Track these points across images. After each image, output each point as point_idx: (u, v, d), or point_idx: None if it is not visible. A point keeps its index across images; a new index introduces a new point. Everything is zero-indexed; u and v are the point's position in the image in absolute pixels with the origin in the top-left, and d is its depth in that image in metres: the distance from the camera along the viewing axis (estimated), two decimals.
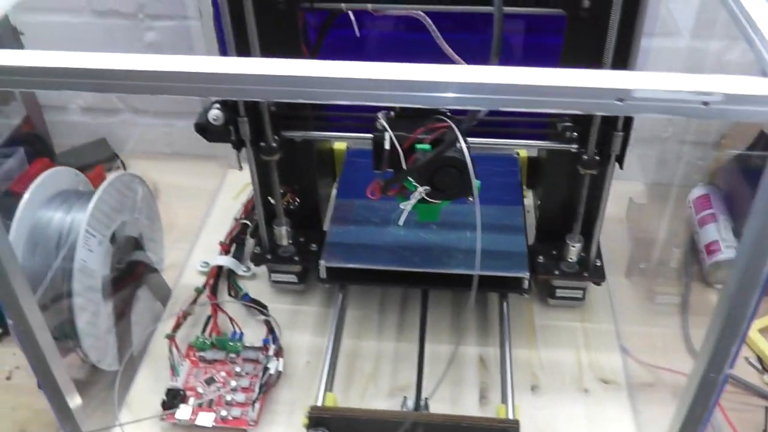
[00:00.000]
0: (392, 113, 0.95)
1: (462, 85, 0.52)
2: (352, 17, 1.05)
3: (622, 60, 0.91)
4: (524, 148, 1.27)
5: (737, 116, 0.51)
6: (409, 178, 0.89)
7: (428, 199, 0.90)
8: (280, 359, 1.03)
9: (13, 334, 0.75)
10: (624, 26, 0.88)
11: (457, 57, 1.06)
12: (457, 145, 0.86)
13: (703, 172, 1.41)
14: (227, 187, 1.43)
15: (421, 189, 0.88)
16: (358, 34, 1.07)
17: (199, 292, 1.15)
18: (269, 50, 0.94)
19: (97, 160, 1.49)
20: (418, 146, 0.90)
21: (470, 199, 0.92)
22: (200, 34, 1.33)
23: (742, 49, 1.28)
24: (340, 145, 1.30)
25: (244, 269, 1.22)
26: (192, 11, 1.33)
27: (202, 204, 1.38)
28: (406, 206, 0.89)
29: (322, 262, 1.08)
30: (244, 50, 0.93)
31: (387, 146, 0.92)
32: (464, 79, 0.52)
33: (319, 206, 1.17)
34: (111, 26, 1.40)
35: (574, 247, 1.09)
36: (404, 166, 0.91)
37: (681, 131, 1.41)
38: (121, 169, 1.51)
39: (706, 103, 0.50)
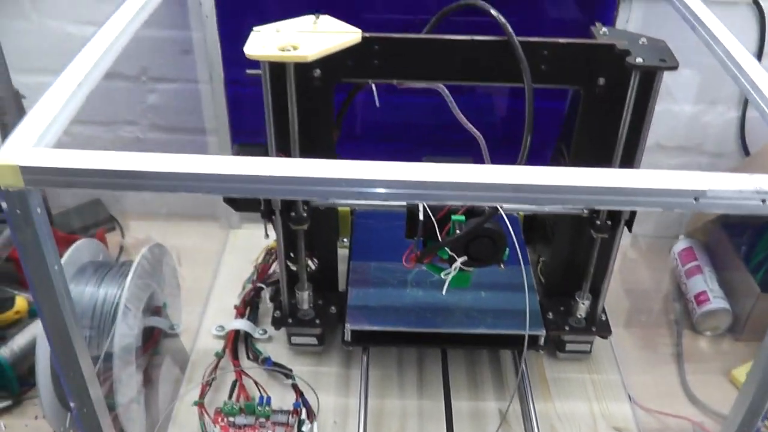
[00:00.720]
0: None
1: (530, 186, 0.57)
2: (374, 90, 1.10)
3: (636, 130, 0.98)
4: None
5: None
6: (446, 249, 0.94)
7: (463, 267, 0.95)
8: (315, 422, 1.05)
9: (75, 420, 0.75)
10: (638, 102, 0.95)
11: (472, 128, 1.12)
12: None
13: (684, 226, 1.51)
14: (231, 249, 1.45)
15: (459, 261, 0.93)
16: (378, 104, 1.12)
17: (219, 356, 1.17)
18: (305, 122, 0.98)
19: (95, 222, 1.50)
20: (454, 217, 0.95)
21: (502, 266, 0.98)
22: (208, 97, 1.36)
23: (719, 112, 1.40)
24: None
25: (261, 332, 1.24)
26: (202, 75, 1.36)
27: (208, 266, 1.40)
28: (448, 277, 0.94)
29: (348, 326, 1.12)
30: (282, 124, 0.96)
31: (421, 216, 0.97)
32: (539, 181, 0.58)
33: (336, 269, 1.21)
34: (113, 88, 1.42)
35: (583, 304, 1.15)
36: (439, 237, 0.96)
37: None
38: (119, 231, 1.51)
39: (764, 201, 0.57)
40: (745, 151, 1.43)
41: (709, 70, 1.07)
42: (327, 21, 0.96)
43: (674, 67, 0.91)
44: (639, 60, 0.91)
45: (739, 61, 0.78)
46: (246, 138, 1.37)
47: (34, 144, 0.57)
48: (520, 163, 0.96)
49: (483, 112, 1.37)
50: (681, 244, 1.45)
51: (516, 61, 0.93)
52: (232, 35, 1.29)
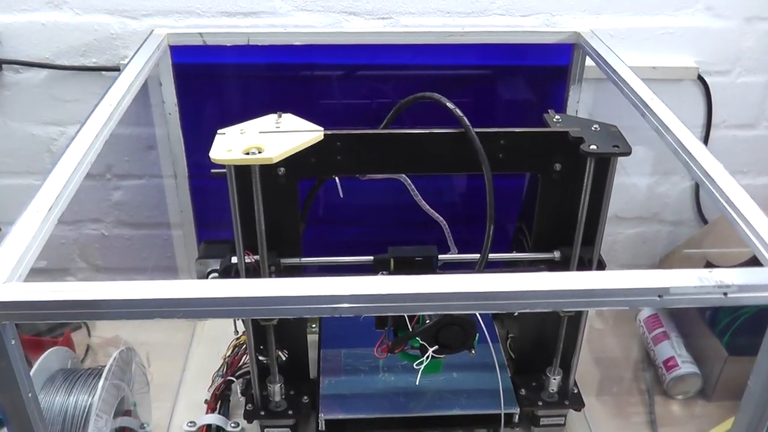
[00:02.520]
0: (387, 270, 1.02)
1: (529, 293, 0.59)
2: (338, 182, 1.13)
3: (594, 211, 1.01)
4: None
5: (750, 302, 0.60)
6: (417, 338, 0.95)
7: (434, 355, 0.96)
8: None
9: None
10: (595, 185, 0.99)
11: (435, 214, 1.15)
12: None
13: None
14: (199, 340, 1.44)
15: (431, 350, 0.94)
16: (342, 195, 1.14)
17: None
18: (271, 218, 0.99)
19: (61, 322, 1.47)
20: None
21: (473, 351, 0.99)
22: (173, 192, 1.37)
23: (673, 182, 1.44)
24: None
25: (233, 425, 1.23)
26: (166, 170, 1.37)
27: (177, 360, 1.39)
28: (420, 367, 0.95)
29: (321, 415, 1.11)
30: (248, 222, 0.98)
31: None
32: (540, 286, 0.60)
33: (307, 357, 1.21)
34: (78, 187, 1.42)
35: (554, 379, 1.17)
36: (409, 326, 0.97)
37: (620, 256, 1.54)
38: (85, 330, 1.49)
39: (725, 294, 0.59)
40: (702, 218, 1.47)
41: (662, 144, 1.13)
42: (289, 119, 0.98)
43: (627, 153, 0.94)
44: (593, 147, 0.94)
45: (690, 150, 0.83)
46: (211, 232, 1.38)
47: (6, 279, 0.57)
48: (484, 254, 0.98)
49: (445, 193, 1.40)
50: (646, 311, 1.47)
51: (474, 151, 0.96)
52: (195, 130, 1.31)
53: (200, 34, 1.22)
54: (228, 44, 1.23)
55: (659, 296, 0.59)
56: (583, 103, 1.29)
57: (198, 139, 1.27)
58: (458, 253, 1.24)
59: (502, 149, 0.99)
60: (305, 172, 1.01)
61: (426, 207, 1.14)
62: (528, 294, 0.59)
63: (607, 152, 0.94)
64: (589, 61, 1.21)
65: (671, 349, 1.38)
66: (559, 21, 1.27)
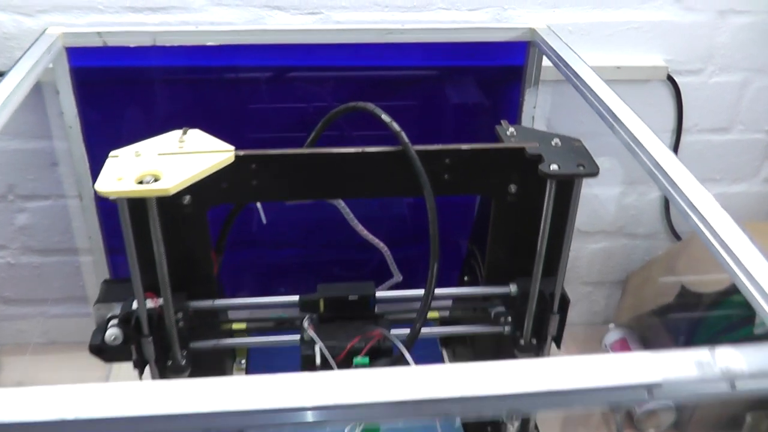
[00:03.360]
0: (314, 316, 0.88)
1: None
2: (259, 207, 0.97)
3: (557, 238, 0.87)
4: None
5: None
6: None
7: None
8: None
9: None
10: (557, 210, 0.84)
11: (374, 239, 1.00)
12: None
13: (614, 313, 1.41)
14: (115, 380, 1.27)
15: None
16: (264, 221, 0.99)
17: None
18: (176, 254, 0.84)
19: None
20: (356, 360, 0.82)
21: None
22: (79, 215, 1.20)
23: (641, 192, 1.31)
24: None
25: None
26: (69, 190, 1.20)
27: None
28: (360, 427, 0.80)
29: None
30: (148, 260, 0.81)
31: (318, 360, 0.83)
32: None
33: None
34: None
35: (512, 426, 1.02)
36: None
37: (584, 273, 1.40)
38: None
39: (733, 386, 0.45)
40: (674, 232, 1.34)
41: (626, 151, 1.00)
42: (196, 137, 0.82)
43: (593, 174, 0.80)
44: (554, 167, 0.80)
45: (659, 160, 0.73)
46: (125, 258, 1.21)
47: None
48: (425, 305, 0.83)
49: (387, 209, 1.25)
50: (613, 335, 1.34)
51: (415, 172, 0.81)
52: (100, 145, 1.13)
53: (98, 33, 1.05)
54: (131, 45, 1.06)
55: (648, 392, 0.45)
56: (540, 108, 1.15)
57: (104, 154, 1.10)
58: (402, 278, 1.10)
59: (447, 169, 0.84)
60: (215, 200, 0.85)
61: (364, 233, 0.99)
62: (489, 399, 0.44)
63: (570, 173, 0.80)
64: (546, 61, 1.06)
65: None
66: (511, 15, 1.12)
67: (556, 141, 0.85)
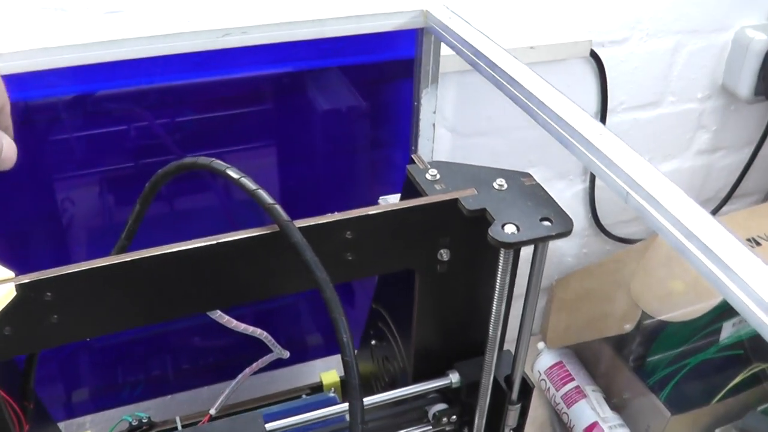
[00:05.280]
0: None
1: None
2: None
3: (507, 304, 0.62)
4: None
5: None
6: None
7: None
8: None
9: None
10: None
11: (252, 329, 0.72)
12: None
13: (541, 329, 1.18)
14: None
15: None
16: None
17: None
18: None
19: None
20: None
21: None
22: None
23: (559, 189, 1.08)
24: None
25: None
26: None
27: None
28: None
29: None
30: None
31: None
32: None
33: None
34: None
35: None
36: None
37: None
38: None
39: None
40: (602, 228, 1.11)
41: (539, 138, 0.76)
42: None
43: (567, 232, 0.54)
44: (510, 230, 0.53)
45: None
46: None
47: None
48: (356, 411, 0.55)
49: None
50: (545, 359, 1.12)
51: (298, 261, 0.52)
52: None
53: None
54: None
55: None
56: (440, 112, 0.87)
57: None
58: (290, 353, 0.82)
59: (350, 247, 0.56)
60: None
61: (241, 326, 0.69)
62: None
63: (534, 238, 0.54)
64: (444, 50, 0.79)
65: (591, 411, 1.03)
66: None
67: (499, 182, 0.58)
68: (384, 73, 0.87)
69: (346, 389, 0.53)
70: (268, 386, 0.94)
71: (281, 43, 0.77)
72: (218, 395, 0.81)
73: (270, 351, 0.80)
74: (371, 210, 0.55)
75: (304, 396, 0.90)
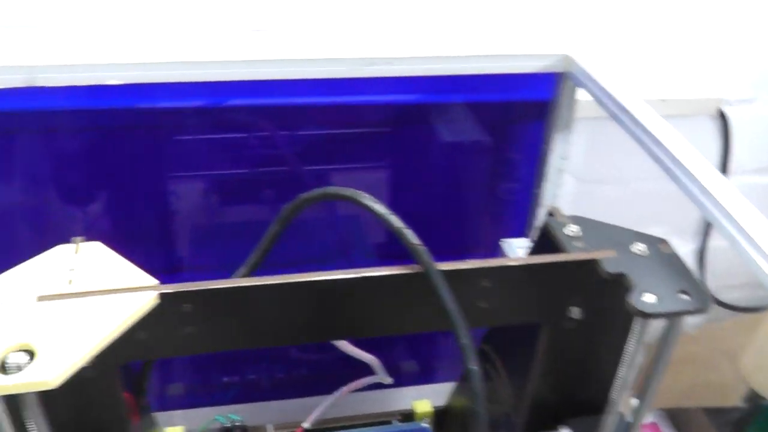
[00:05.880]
0: None
1: None
2: None
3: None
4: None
5: None
6: None
7: None
8: None
9: None
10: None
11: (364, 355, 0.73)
12: None
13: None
14: None
15: None
16: None
17: None
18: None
19: None
20: None
21: None
22: None
23: None
24: None
25: None
26: None
27: None
28: None
29: None
30: None
31: None
32: None
33: None
34: None
35: None
36: None
37: None
38: None
39: None
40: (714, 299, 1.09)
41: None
42: (94, 258, 0.53)
43: (703, 309, 0.54)
44: (650, 299, 0.53)
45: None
46: None
47: None
48: None
49: None
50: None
51: (437, 300, 0.53)
52: None
53: None
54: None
55: None
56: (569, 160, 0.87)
57: None
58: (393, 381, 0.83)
59: (484, 295, 0.56)
60: (129, 356, 0.55)
61: (354, 351, 0.71)
62: None
63: (673, 311, 0.53)
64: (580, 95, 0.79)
65: None
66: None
67: (639, 247, 0.58)
68: (514, 113, 0.87)
69: None
70: (358, 405, 0.94)
71: (413, 77, 0.79)
72: (308, 408, 0.82)
73: (372, 373, 0.81)
74: (511, 261, 0.56)
75: (395, 422, 0.90)
